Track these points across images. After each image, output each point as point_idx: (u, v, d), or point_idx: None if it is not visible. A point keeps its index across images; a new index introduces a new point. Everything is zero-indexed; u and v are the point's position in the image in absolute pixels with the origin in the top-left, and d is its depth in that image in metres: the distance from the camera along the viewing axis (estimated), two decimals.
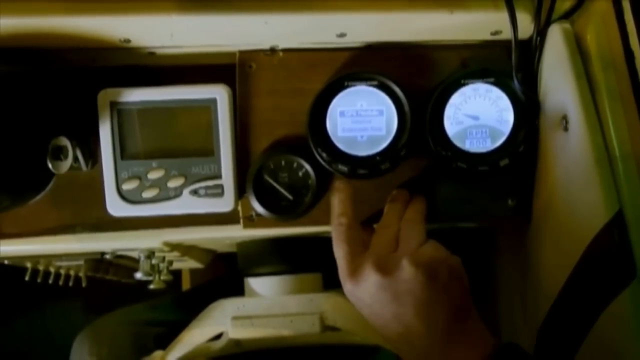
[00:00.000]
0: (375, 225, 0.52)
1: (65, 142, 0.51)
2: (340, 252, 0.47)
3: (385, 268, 0.44)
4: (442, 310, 0.43)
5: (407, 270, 0.43)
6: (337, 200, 0.50)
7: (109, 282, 0.89)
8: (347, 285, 0.46)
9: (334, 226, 0.49)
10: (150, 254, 0.68)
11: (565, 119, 0.49)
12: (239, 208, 0.55)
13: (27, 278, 0.77)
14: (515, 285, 0.67)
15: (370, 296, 0.44)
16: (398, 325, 0.43)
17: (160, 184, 0.52)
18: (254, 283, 0.63)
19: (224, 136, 0.52)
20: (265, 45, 0.54)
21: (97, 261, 0.79)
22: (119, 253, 0.73)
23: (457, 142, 0.53)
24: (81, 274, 0.86)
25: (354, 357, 0.67)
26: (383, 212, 0.52)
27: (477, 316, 0.45)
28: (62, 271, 0.84)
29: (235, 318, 0.59)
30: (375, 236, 0.49)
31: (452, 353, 0.43)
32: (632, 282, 0.43)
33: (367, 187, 0.54)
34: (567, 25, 0.50)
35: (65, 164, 0.51)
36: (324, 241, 0.62)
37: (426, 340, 0.43)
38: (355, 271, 0.45)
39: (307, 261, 0.64)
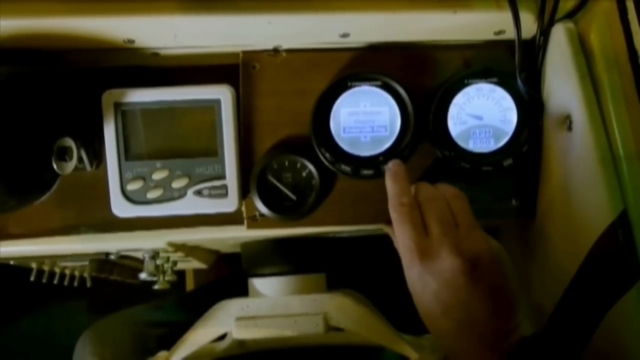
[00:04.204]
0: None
1: (69, 142, 0.51)
2: (405, 232, 0.45)
3: (464, 252, 0.43)
4: (505, 298, 0.44)
5: (487, 258, 0.43)
6: (393, 180, 0.48)
7: (114, 282, 0.89)
8: (416, 266, 0.44)
9: (394, 206, 0.46)
10: (155, 255, 0.68)
11: (569, 118, 0.48)
12: (243, 208, 0.55)
13: (32, 278, 0.78)
14: (518, 285, 0.67)
15: (442, 280, 0.43)
16: (460, 312, 0.43)
17: (164, 184, 0.53)
18: (258, 283, 0.63)
19: (227, 136, 0.53)
20: (269, 46, 0.54)
21: (102, 262, 0.79)
22: (124, 253, 0.73)
23: (461, 142, 0.53)
24: (86, 275, 0.86)
25: (357, 358, 0.67)
26: (387, 211, 0.52)
27: None
28: (67, 271, 0.84)
29: (239, 318, 0.59)
30: (429, 212, 0.46)
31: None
32: (637, 282, 0.43)
33: (370, 188, 0.54)
34: (570, 24, 0.49)
35: (70, 165, 0.51)
36: (328, 241, 0.62)
37: (487, 326, 0.43)
38: (427, 252, 0.44)
39: (311, 261, 0.64)
